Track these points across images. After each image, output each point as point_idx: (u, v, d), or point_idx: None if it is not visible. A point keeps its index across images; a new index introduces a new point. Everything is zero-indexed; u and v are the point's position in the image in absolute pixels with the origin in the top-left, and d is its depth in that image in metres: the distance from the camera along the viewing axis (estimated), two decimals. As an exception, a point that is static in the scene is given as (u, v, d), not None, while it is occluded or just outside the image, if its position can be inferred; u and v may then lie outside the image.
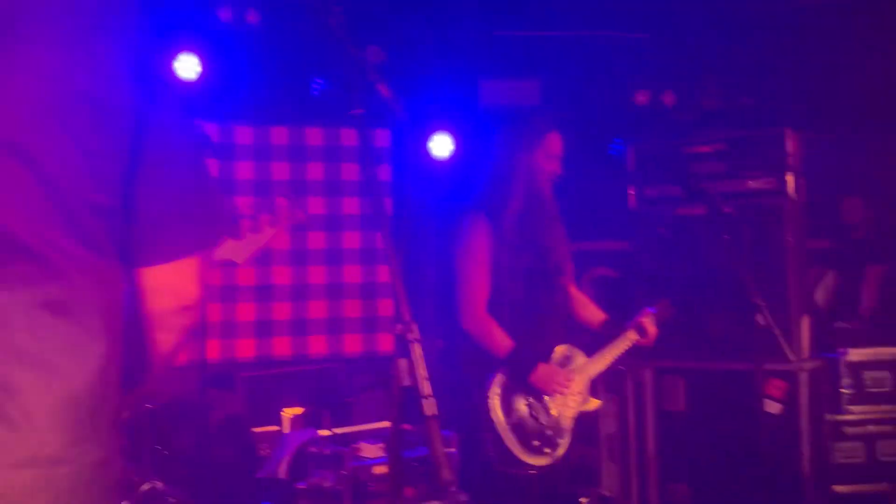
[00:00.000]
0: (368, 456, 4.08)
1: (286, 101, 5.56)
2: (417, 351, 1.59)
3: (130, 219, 1.10)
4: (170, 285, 1.17)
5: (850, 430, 4.66)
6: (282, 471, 3.98)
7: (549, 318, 3.18)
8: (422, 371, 1.58)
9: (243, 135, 5.72)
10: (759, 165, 4.37)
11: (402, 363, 1.59)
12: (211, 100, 5.22)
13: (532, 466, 2.94)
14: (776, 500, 4.12)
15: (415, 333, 1.61)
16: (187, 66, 4.97)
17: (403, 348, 1.60)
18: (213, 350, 5.34)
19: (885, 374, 4.74)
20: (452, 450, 4.15)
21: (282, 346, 5.79)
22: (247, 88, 5.35)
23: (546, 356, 3.13)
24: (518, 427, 2.96)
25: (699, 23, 5.21)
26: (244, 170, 5.70)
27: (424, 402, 1.56)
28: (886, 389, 4.72)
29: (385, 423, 4.63)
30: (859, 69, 5.21)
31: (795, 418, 4.17)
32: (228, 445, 4.40)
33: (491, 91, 5.43)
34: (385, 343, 5.98)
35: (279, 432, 4.80)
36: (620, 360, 3.40)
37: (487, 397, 2.97)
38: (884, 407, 4.69)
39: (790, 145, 4.32)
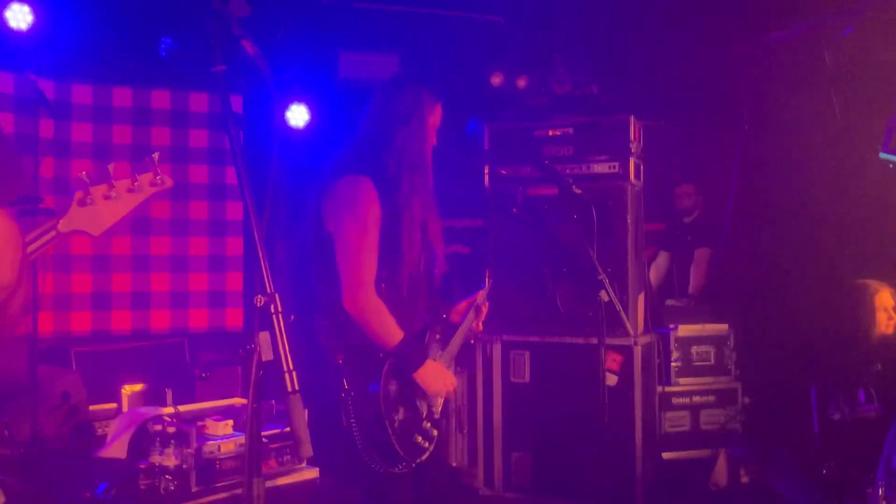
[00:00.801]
0: (215, 433, 3.97)
1: (131, 59, 5.24)
2: (280, 324, 1.56)
3: None
4: None
5: (677, 400, 5.02)
6: (121, 450, 3.80)
7: (419, 299, 2.88)
8: (284, 345, 1.55)
9: (82, 94, 5.34)
10: (604, 150, 4.58)
11: (264, 336, 1.55)
12: (46, 54, 4.83)
13: (412, 463, 2.71)
14: (611, 467, 4.38)
15: (277, 306, 1.57)
16: (18, 16, 4.58)
17: (264, 321, 1.57)
18: (46, 323, 4.99)
19: (709, 348, 5.14)
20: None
21: (121, 320, 5.50)
22: (87, 44, 4.99)
23: (423, 345, 2.87)
24: (403, 424, 2.70)
25: (554, 10, 5.37)
26: (82, 132, 5.34)
27: (287, 376, 1.53)
28: (710, 363, 5.12)
29: (232, 400, 4.52)
30: (698, 62, 5.56)
31: (630, 390, 4.43)
32: (62, 424, 4.14)
33: (350, 64, 5.36)
34: (233, 318, 5.81)
35: (118, 410, 4.57)
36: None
37: (378, 396, 2.63)
38: (707, 379, 5.09)
39: (633, 132, 4.56)
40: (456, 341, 3.06)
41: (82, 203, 1.72)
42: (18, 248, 1.22)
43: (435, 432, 2.85)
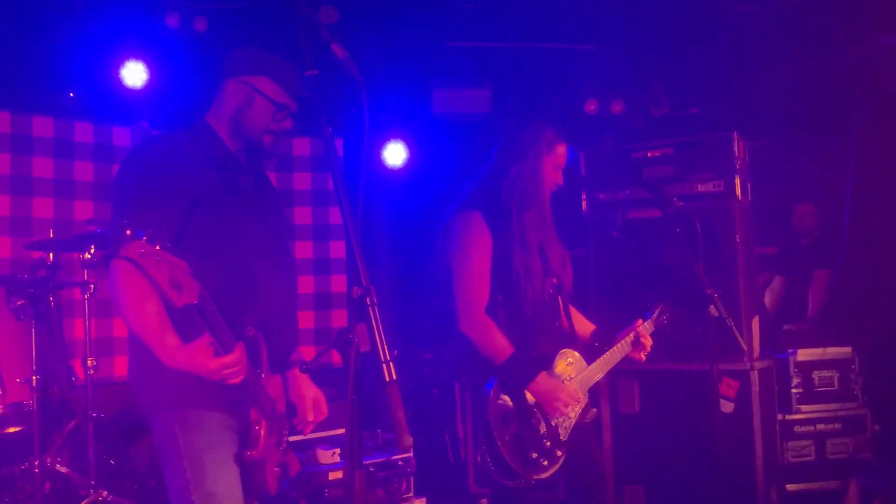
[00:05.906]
0: (324, 462, 4.00)
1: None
2: (376, 315, 1.56)
3: None
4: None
5: (800, 428, 4.72)
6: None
7: (546, 322, 2.99)
8: (381, 336, 1.54)
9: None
10: (707, 169, 4.44)
11: (361, 328, 1.55)
12: (159, 107, 5.12)
13: (530, 479, 2.75)
14: (731, 499, 4.14)
15: (373, 298, 1.57)
16: (133, 74, 4.88)
17: (362, 313, 1.57)
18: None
19: (832, 373, 4.83)
20: (409, 454, 4.09)
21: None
22: (195, 94, 5.27)
23: (547, 363, 2.93)
24: (516, 438, 2.76)
25: (646, 34, 5.31)
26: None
27: (384, 366, 1.52)
28: (834, 388, 4.81)
29: (339, 431, 4.54)
30: (804, 79, 5.35)
31: (748, 417, 4.21)
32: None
33: (443, 100, 5.45)
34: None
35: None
36: (615, 369, 3.21)
37: (486, 408, 2.75)
38: (832, 405, 4.77)
39: (737, 149, 4.41)
40: (597, 367, 3.08)
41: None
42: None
43: (559, 453, 2.85)
